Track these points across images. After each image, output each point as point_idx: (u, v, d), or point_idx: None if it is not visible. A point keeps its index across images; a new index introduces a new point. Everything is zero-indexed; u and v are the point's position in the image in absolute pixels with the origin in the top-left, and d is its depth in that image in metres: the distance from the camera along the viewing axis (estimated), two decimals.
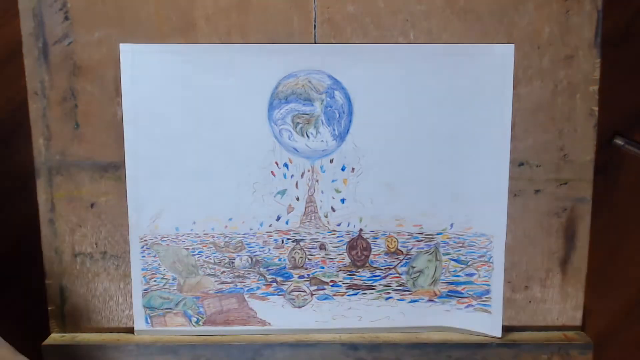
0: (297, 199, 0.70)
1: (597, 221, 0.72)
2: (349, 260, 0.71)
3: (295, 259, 0.71)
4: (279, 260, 0.71)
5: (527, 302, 0.72)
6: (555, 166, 0.70)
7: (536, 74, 0.69)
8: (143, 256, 0.70)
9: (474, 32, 0.69)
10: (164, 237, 0.70)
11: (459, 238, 0.71)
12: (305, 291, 0.71)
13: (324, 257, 0.71)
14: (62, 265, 0.71)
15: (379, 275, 0.71)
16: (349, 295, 0.71)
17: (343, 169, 0.70)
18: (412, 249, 0.71)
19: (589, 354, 0.71)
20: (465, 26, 0.68)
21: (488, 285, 0.71)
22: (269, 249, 0.71)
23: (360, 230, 0.70)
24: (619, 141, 0.72)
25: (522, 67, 0.69)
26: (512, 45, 0.68)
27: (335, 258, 0.71)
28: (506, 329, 0.72)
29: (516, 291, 0.72)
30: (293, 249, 0.71)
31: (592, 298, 0.73)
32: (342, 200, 0.70)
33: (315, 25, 0.68)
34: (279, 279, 0.71)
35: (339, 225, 0.70)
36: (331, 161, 0.69)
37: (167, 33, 0.68)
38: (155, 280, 0.71)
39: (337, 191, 0.70)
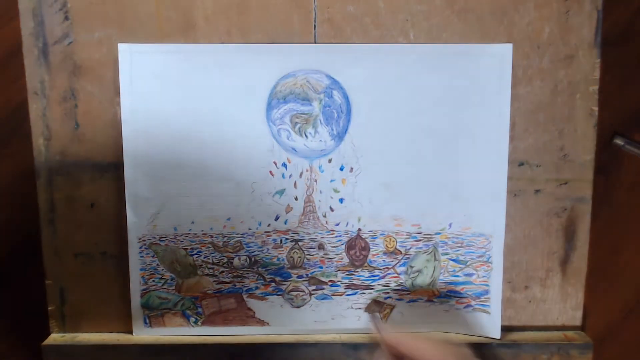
0: (296, 198, 0.70)
1: (597, 221, 0.72)
2: (348, 260, 0.71)
3: (293, 259, 0.71)
4: (278, 260, 0.71)
5: (527, 302, 0.72)
6: (555, 166, 0.70)
7: (536, 73, 0.69)
8: (141, 256, 0.70)
9: (473, 32, 0.69)
10: (162, 237, 0.70)
11: (457, 238, 0.71)
12: (303, 291, 0.71)
13: (323, 257, 0.71)
14: (62, 265, 0.71)
15: (378, 275, 0.71)
16: (347, 295, 0.71)
17: (341, 169, 0.69)
18: (410, 248, 0.71)
19: (589, 354, 0.71)
20: (465, 26, 0.69)
21: (487, 285, 0.71)
22: (268, 249, 0.70)
23: (359, 230, 0.70)
24: (619, 141, 0.72)
25: (522, 67, 0.69)
26: (510, 44, 0.68)
27: (334, 258, 0.71)
28: (506, 329, 0.72)
29: (516, 291, 0.72)
30: (292, 249, 0.71)
31: (592, 298, 0.73)
32: (341, 200, 0.70)
33: (315, 25, 0.68)
34: (277, 278, 0.71)
35: (337, 225, 0.70)
36: (330, 161, 0.69)
37: (167, 33, 0.68)
38: (153, 281, 0.71)
39: (336, 191, 0.70)
